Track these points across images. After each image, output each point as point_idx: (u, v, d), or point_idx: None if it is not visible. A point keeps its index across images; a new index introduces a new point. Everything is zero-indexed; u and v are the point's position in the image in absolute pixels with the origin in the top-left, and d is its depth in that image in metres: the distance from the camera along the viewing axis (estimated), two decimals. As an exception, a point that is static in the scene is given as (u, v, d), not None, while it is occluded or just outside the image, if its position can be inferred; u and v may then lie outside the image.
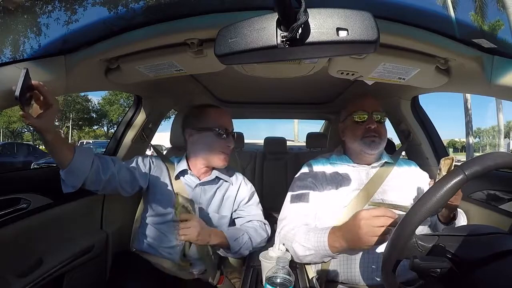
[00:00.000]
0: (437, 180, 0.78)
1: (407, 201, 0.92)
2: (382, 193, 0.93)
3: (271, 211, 1.40)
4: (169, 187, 1.04)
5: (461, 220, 0.89)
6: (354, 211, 0.89)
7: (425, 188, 0.97)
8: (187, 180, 1.07)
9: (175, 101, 1.52)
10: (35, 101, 0.66)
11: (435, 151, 1.33)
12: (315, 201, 0.95)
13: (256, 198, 1.16)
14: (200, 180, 1.07)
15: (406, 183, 0.98)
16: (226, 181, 1.11)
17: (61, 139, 0.78)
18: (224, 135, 1.03)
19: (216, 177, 1.08)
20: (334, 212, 0.90)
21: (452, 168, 0.76)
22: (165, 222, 1.02)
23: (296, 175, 1.07)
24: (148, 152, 1.27)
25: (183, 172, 1.07)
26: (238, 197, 1.12)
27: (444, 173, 0.78)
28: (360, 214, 0.71)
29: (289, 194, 1.01)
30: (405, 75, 0.87)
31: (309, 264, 0.90)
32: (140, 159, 1.06)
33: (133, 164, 1.03)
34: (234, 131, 1.09)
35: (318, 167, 1.04)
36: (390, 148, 1.22)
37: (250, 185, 1.17)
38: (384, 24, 0.63)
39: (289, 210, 0.96)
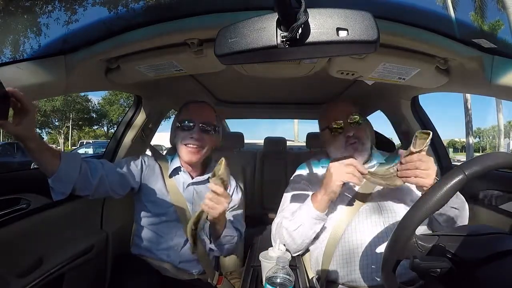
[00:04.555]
0: (406, 153, 0.74)
1: (405, 200, 0.92)
2: (380, 195, 0.93)
3: (270, 212, 1.40)
4: (163, 187, 1.03)
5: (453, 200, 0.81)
6: (350, 213, 0.89)
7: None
8: (180, 178, 1.06)
9: (175, 101, 1.52)
10: (12, 108, 0.62)
11: (435, 151, 1.33)
12: (292, 228, 0.93)
13: (241, 208, 1.14)
14: (192, 178, 1.06)
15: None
16: None
17: (45, 146, 0.75)
18: (188, 127, 1.01)
19: (209, 177, 1.07)
20: (329, 214, 0.90)
21: (427, 143, 0.70)
22: (160, 223, 1.01)
23: (291, 178, 1.07)
24: (149, 152, 1.28)
25: (176, 170, 1.06)
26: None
27: (415, 148, 0.72)
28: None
29: (284, 196, 1.01)
30: (405, 75, 0.87)
31: (301, 246, 0.90)
32: (131, 159, 1.03)
33: (124, 165, 1.00)
34: (208, 122, 1.03)
35: (311, 170, 1.05)
36: (390, 148, 1.22)
37: (240, 194, 1.15)
38: (384, 24, 0.63)
39: (284, 212, 0.96)
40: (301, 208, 0.88)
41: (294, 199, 0.97)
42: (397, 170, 0.77)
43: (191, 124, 1.01)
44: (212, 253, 1.06)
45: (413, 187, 0.96)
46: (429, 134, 0.70)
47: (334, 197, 0.82)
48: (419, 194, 0.91)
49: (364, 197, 0.92)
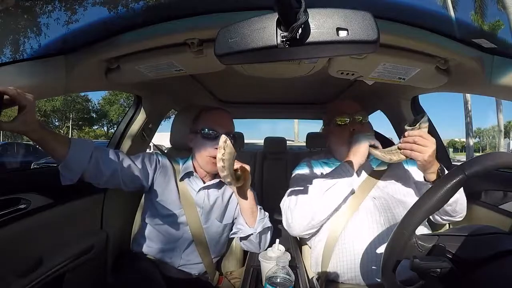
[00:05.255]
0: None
1: (405, 199, 0.93)
2: (380, 194, 0.94)
3: (271, 212, 1.40)
4: (174, 189, 1.03)
5: None
6: (348, 212, 0.90)
7: (419, 178, 0.96)
8: (192, 183, 1.05)
9: (175, 101, 1.52)
10: (7, 105, 0.62)
11: (435, 151, 1.32)
12: (315, 196, 0.95)
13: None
14: (204, 183, 1.05)
15: (401, 175, 1.00)
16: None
17: (50, 136, 0.75)
18: (211, 136, 0.99)
19: (220, 181, 1.06)
20: (334, 208, 0.90)
21: (421, 122, 0.81)
22: (168, 224, 1.00)
23: (293, 175, 1.07)
24: (149, 151, 1.28)
25: (188, 174, 1.05)
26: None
27: (410, 126, 0.83)
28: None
29: (289, 191, 1.00)
30: (405, 75, 0.87)
31: (329, 211, 0.89)
32: (146, 157, 1.03)
33: (139, 161, 1.00)
34: (230, 132, 1.02)
35: (313, 167, 1.07)
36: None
37: (254, 193, 1.12)
38: (384, 24, 0.63)
39: (291, 199, 0.95)
40: (330, 174, 0.92)
41: (299, 192, 0.95)
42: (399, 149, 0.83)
43: (216, 134, 1.00)
44: (247, 245, 1.04)
45: (414, 188, 0.96)
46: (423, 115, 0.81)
47: (362, 160, 0.90)
48: (420, 194, 0.91)
49: (361, 196, 0.93)
